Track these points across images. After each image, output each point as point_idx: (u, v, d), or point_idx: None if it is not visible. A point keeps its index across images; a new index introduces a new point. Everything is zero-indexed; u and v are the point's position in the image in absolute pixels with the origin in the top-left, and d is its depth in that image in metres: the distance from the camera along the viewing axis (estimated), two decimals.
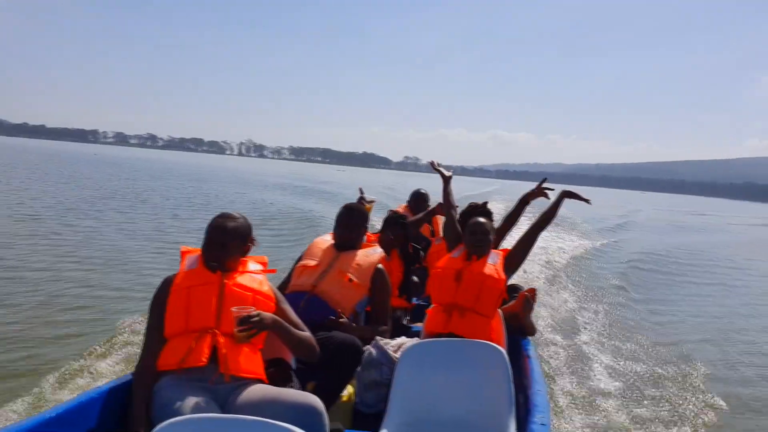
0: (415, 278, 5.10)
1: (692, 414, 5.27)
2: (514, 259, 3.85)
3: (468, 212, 4.15)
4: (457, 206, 4.60)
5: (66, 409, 2.29)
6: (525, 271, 11.08)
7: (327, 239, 3.80)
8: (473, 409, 2.97)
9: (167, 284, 2.65)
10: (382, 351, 3.41)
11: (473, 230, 3.80)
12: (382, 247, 4.59)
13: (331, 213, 3.81)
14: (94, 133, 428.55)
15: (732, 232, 33.87)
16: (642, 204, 72.53)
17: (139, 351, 2.80)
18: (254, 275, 2.72)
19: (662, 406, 5.36)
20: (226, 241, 2.65)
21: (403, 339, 3.60)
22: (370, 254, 3.69)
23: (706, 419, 5.20)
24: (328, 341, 3.13)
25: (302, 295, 3.46)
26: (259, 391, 2.43)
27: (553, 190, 4.25)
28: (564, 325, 7.79)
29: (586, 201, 4.13)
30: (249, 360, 2.52)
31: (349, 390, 3.33)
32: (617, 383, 5.84)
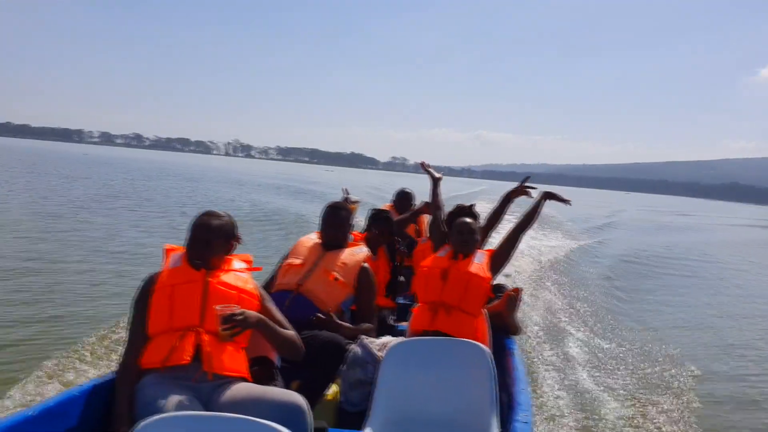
0: (401, 278, 5.12)
1: (677, 411, 5.33)
2: (499, 258, 3.90)
3: (455, 213, 4.19)
4: (443, 206, 4.66)
5: (48, 407, 2.27)
6: (515, 270, 11.18)
7: (313, 238, 3.81)
8: (457, 407, 2.98)
9: (151, 282, 2.64)
10: (366, 350, 3.42)
11: (460, 230, 3.84)
12: (370, 245, 4.60)
13: (318, 212, 3.85)
14: (79, 132, 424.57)
15: (715, 232, 34.21)
16: (626, 204, 73.07)
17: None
18: (239, 273, 2.72)
19: (646, 404, 5.41)
20: (211, 239, 2.65)
21: (388, 338, 3.60)
22: (356, 253, 3.70)
23: (691, 415, 5.27)
24: (313, 340, 3.14)
25: (287, 293, 3.47)
26: (243, 389, 2.43)
27: (535, 188, 4.32)
28: (548, 325, 7.84)
29: (566, 202, 4.23)
30: (233, 358, 2.52)
31: (333, 389, 3.34)
32: (601, 382, 5.89)
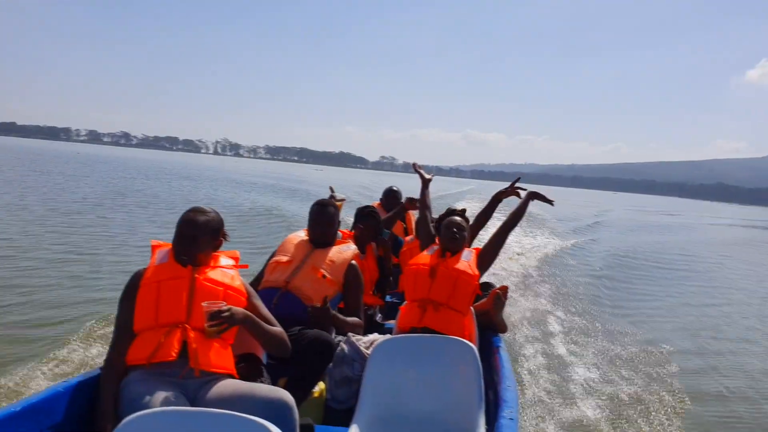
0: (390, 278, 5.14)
1: (662, 408, 5.38)
2: (486, 257, 3.93)
3: (446, 215, 4.23)
4: (431, 206, 4.75)
5: (32, 403, 2.25)
6: (502, 268, 11.27)
7: (300, 235, 3.80)
8: (443, 404, 3.00)
9: (137, 278, 2.63)
10: (353, 347, 3.43)
11: (449, 225, 3.91)
12: (359, 242, 4.62)
13: (306, 210, 3.88)
14: (67, 131, 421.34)
15: (697, 231, 34.55)
16: (613, 204, 73.54)
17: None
18: (226, 270, 2.71)
19: (632, 401, 5.45)
20: (197, 235, 2.64)
21: (375, 335, 3.61)
22: (344, 251, 3.70)
23: (676, 413, 5.32)
24: (300, 337, 3.14)
25: (275, 291, 3.46)
26: (230, 385, 2.42)
27: (525, 190, 4.39)
28: (535, 323, 7.89)
29: (550, 202, 4.33)
30: (219, 355, 2.51)
31: (320, 386, 3.34)
32: (586, 379, 5.93)
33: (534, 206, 4.28)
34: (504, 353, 3.64)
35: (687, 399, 5.74)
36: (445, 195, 39.81)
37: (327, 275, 3.53)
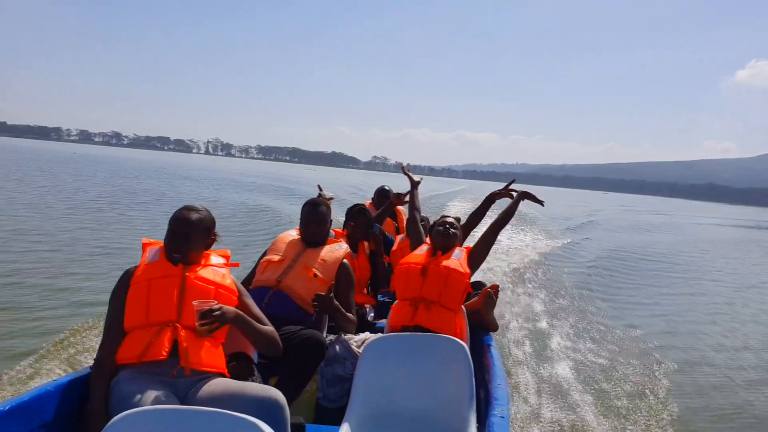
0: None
1: (652, 406, 5.42)
2: (477, 255, 3.95)
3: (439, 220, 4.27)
4: (420, 208, 4.80)
5: (21, 403, 2.23)
6: (490, 269, 11.31)
7: (292, 234, 3.80)
8: (435, 402, 3.00)
9: (128, 276, 2.61)
10: (345, 346, 3.43)
11: (442, 222, 3.96)
12: (351, 240, 4.62)
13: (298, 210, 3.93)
14: (58, 130, 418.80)
15: (690, 230, 34.78)
16: (603, 204, 73.92)
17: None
18: (217, 268, 2.70)
19: (622, 400, 5.48)
20: (190, 233, 2.63)
21: (366, 334, 3.62)
22: (336, 250, 3.70)
23: (666, 411, 5.35)
24: (292, 336, 3.13)
25: (267, 290, 3.46)
26: (221, 384, 2.41)
27: (517, 191, 4.44)
28: (526, 322, 7.93)
29: (540, 203, 4.38)
30: (210, 354, 2.50)
31: (312, 385, 3.34)
32: (577, 377, 5.96)
33: (526, 206, 4.32)
34: (495, 351, 3.65)
35: (680, 395, 5.81)
36: (437, 195, 39.88)
37: (319, 274, 3.53)
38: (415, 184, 4.82)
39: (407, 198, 5.00)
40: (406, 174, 4.96)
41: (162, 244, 2.71)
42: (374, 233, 4.79)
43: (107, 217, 15.17)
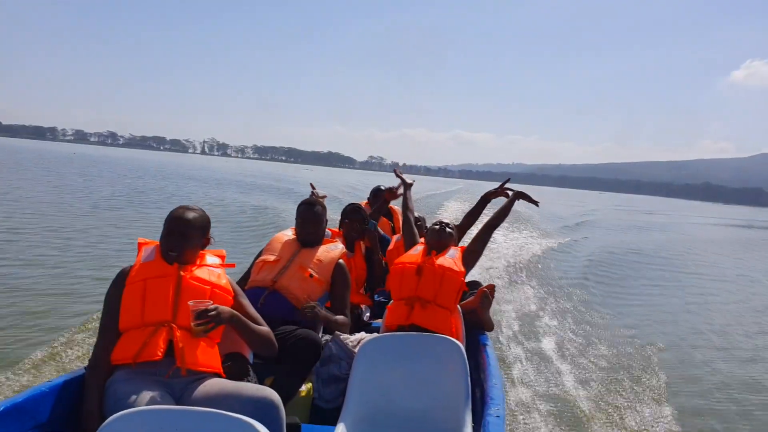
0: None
1: (650, 404, 5.44)
2: (471, 255, 3.96)
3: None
4: (414, 209, 4.83)
5: (15, 403, 2.22)
6: (487, 269, 11.33)
7: (288, 234, 3.80)
8: (430, 402, 3.01)
9: (123, 276, 2.61)
10: (341, 346, 3.43)
11: (437, 222, 3.99)
12: (347, 239, 4.62)
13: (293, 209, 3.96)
14: (53, 130, 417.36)
15: (684, 230, 34.94)
16: (599, 204, 74.10)
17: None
18: (212, 268, 2.69)
19: (619, 398, 5.50)
20: (187, 231, 2.63)
21: (362, 334, 3.62)
22: (331, 250, 3.70)
23: (664, 409, 5.38)
24: (288, 336, 3.13)
25: (262, 290, 3.45)
26: (216, 385, 2.41)
27: (513, 191, 4.45)
28: (522, 321, 7.95)
29: (535, 203, 4.40)
30: (206, 354, 2.50)
31: (307, 385, 3.34)
32: (574, 376, 5.98)
33: (521, 206, 4.33)
34: (491, 351, 3.66)
35: (678, 392, 5.85)
36: (433, 194, 39.90)
37: (314, 274, 3.53)
38: (407, 186, 4.86)
39: (399, 191, 5.01)
40: (398, 176, 5.01)
41: (157, 244, 2.70)
42: (369, 229, 4.80)
43: (127, 215, 15.90)
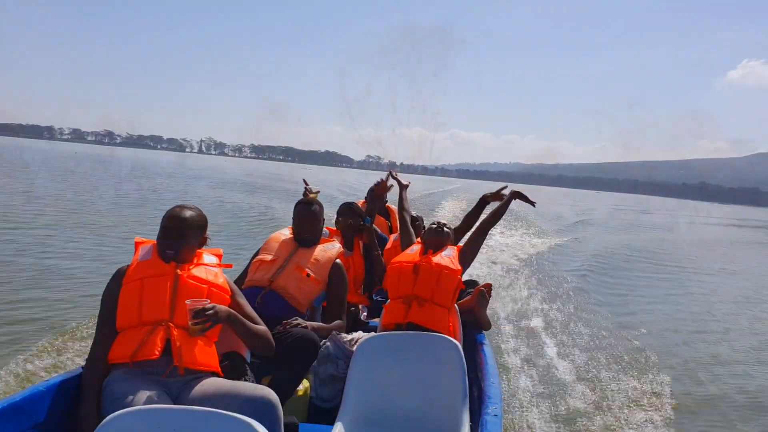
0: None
1: (647, 402, 5.46)
2: (467, 254, 3.98)
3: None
4: (409, 209, 4.88)
5: (12, 403, 2.22)
6: (490, 263, 11.37)
7: (285, 233, 3.79)
8: (428, 401, 3.01)
9: (120, 275, 2.60)
10: (338, 345, 3.43)
11: (434, 223, 4.03)
12: (344, 236, 4.61)
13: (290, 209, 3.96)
14: (50, 129, 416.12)
15: (681, 229, 35.06)
16: (596, 203, 74.23)
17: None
18: (209, 267, 2.69)
19: (616, 396, 5.52)
20: (184, 229, 2.63)
21: (359, 333, 3.62)
22: (328, 249, 3.69)
23: (659, 402, 5.42)
24: (285, 335, 3.13)
25: (259, 290, 3.45)
26: (214, 384, 2.41)
27: (509, 192, 4.47)
28: (519, 320, 7.98)
29: (532, 203, 4.40)
30: (203, 353, 2.49)
31: (305, 384, 3.34)
32: (571, 374, 6.01)
33: (518, 205, 4.34)
34: (488, 350, 3.66)
35: (676, 390, 5.87)
36: (430, 194, 39.92)
37: (311, 274, 3.52)
38: (403, 187, 4.91)
39: (389, 182, 5.03)
40: (394, 178, 5.06)
41: (154, 243, 2.70)
42: (366, 226, 4.81)
43: (150, 212, 16.28)
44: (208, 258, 2.75)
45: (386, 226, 6.43)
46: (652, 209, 71.03)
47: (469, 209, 4.88)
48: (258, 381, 2.85)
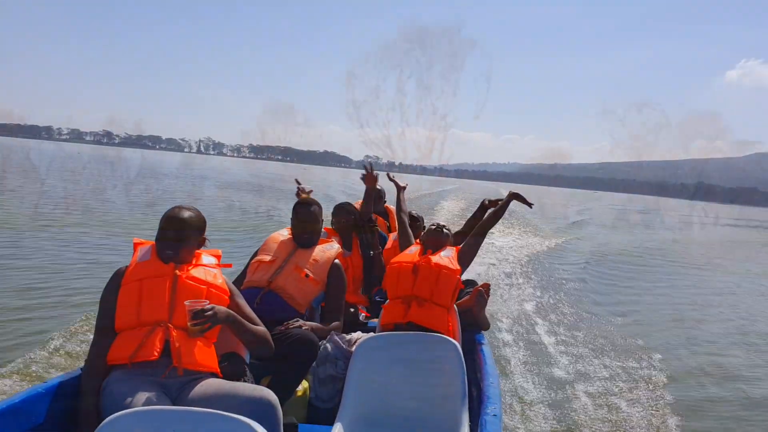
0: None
1: (646, 401, 5.47)
2: (466, 255, 3.99)
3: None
4: (407, 211, 4.88)
5: (11, 405, 2.21)
6: (489, 263, 11.38)
7: (284, 234, 3.79)
8: (427, 401, 3.01)
9: (118, 276, 2.60)
10: (337, 346, 3.43)
11: (433, 224, 4.05)
12: (343, 237, 4.60)
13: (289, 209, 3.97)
14: (49, 129, 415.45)
15: (679, 230, 35.11)
16: (594, 203, 74.25)
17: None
18: (208, 268, 2.69)
19: (615, 396, 5.52)
20: (183, 229, 2.63)
21: (358, 334, 3.62)
22: (327, 250, 3.69)
23: (661, 406, 5.41)
24: (284, 336, 3.13)
25: (258, 290, 3.45)
26: (213, 385, 2.41)
27: (508, 193, 4.49)
28: (517, 320, 7.98)
29: (530, 205, 4.42)
30: (202, 354, 2.49)
31: (304, 385, 3.34)
32: (570, 374, 6.01)
33: (517, 205, 4.36)
34: (487, 350, 3.67)
35: (674, 389, 5.88)
36: (429, 194, 39.93)
37: (310, 274, 3.52)
38: (400, 189, 4.92)
39: (375, 173, 5.00)
40: (391, 180, 5.08)
41: (153, 244, 2.69)
42: (370, 223, 4.83)
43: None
44: (206, 259, 2.74)
45: (385, 226, 6.43)
46: (650, 209, 71.11)
47: (469, 209, 4.90)
48: (257, 381, 2.85)
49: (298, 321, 3.32)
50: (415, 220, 5.08)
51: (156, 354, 2.40)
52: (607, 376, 6.06)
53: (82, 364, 2.57)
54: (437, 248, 3.88)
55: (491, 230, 4.27)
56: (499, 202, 4.60)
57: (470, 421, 2.93)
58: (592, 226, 30.11)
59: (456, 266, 3.77)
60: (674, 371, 6.52)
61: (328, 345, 3.43)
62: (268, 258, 3.59)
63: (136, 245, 2.73)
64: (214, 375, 2.52)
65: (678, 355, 7.26)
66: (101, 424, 1.84)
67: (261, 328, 2.78)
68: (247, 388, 2.38)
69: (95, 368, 2.45)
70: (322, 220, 3.84)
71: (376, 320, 4.17)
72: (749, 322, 9.85)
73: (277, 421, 2.28)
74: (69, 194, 19.82)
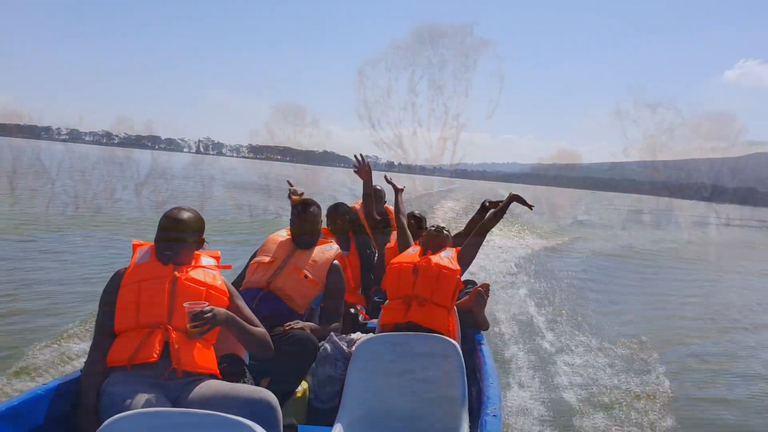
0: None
1: (646, 401, 5.47)
2: (466, 256, 3.99)
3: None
4: (405, 212, 4.89)
5: (10, 407, 2.22)
6: (487, 264, 11.40)
7: (283, 235, 3.78)
8: (427, 402, 3.01)
9: (118, 278, 2.60)
10: (336, 347, 3.43)
11: (432, 226, 4.09)
12: (339, 238, 4.60)
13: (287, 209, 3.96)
14: (47, 129, 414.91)
15: (678, 230, 35.18)
16: (593, 203, 74.31)
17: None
18: (207, 270, 2.69)
19: (614, 396, 5.52)
20: (182, 230, 2.63)
21: (358, 334, 3.62)
22: (326, 250, 3.70)
23: (660, 406, 5.41)
24: (283, 337, 3.13)
25: (257, 291, 3.45)
26: (212, 386, 2.41)
27: (507, 195, 4.50)
28: (517, 320, 7.97)
29: (529, 207, 4.38)
30: (202, 355, 2.49)
31: (303, 386, 3.34)
32: (568, 373, 6.01)
33: (516, 206, 4.36)
34: (486, 350, 3.67)
35: (674, 389, 5.87)
36: (428, 194, 39.90)
37: (309, 275, 3.52)
38: (398, 191, 4.94)
39: (367, 167, 4.98)
40: (389, 182, 5.10)
41: (152, 245, 2.69)
42: (373, 217, 4.86)
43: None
44: (206, 260, 2.74)
45: None
46: (649, 209, 71.10)
47: (468, 209, 4.90)
48: (257, 383, 2.85)
49: (298, 323, 3.33)
50: (419, 221, 5.03)
51: (155, 356, 2.40)
52: (607, 376, 6.06)
53: (81, 365, 2.57)
54: (437, 249, 3.88)
55: (491, 231, 4.27)
56: (500, 204, 4.62)
57: (470, 421, 2.94)
58: (590, 226, 30.13)
59: (456, 266, 3.78)
60: (674, 371, 6.52)
61: (327, 346, 3.43)
62: (267, 259, 3.59)
63: (135, 246, 2.73)
64: (213, 376, 2.52)
65: (678, 356, 7.28)
66: (101, 426, 1.83)
67: (260, 329, 2.78)
68: (246, 389, 2.39)
69: (95, 370, 2.45)
70: (322, 221, 3.84)
71: (375, 321, 4.18)
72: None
73: (277, 422, 2.28)
74: (78, 194, 20.06)
